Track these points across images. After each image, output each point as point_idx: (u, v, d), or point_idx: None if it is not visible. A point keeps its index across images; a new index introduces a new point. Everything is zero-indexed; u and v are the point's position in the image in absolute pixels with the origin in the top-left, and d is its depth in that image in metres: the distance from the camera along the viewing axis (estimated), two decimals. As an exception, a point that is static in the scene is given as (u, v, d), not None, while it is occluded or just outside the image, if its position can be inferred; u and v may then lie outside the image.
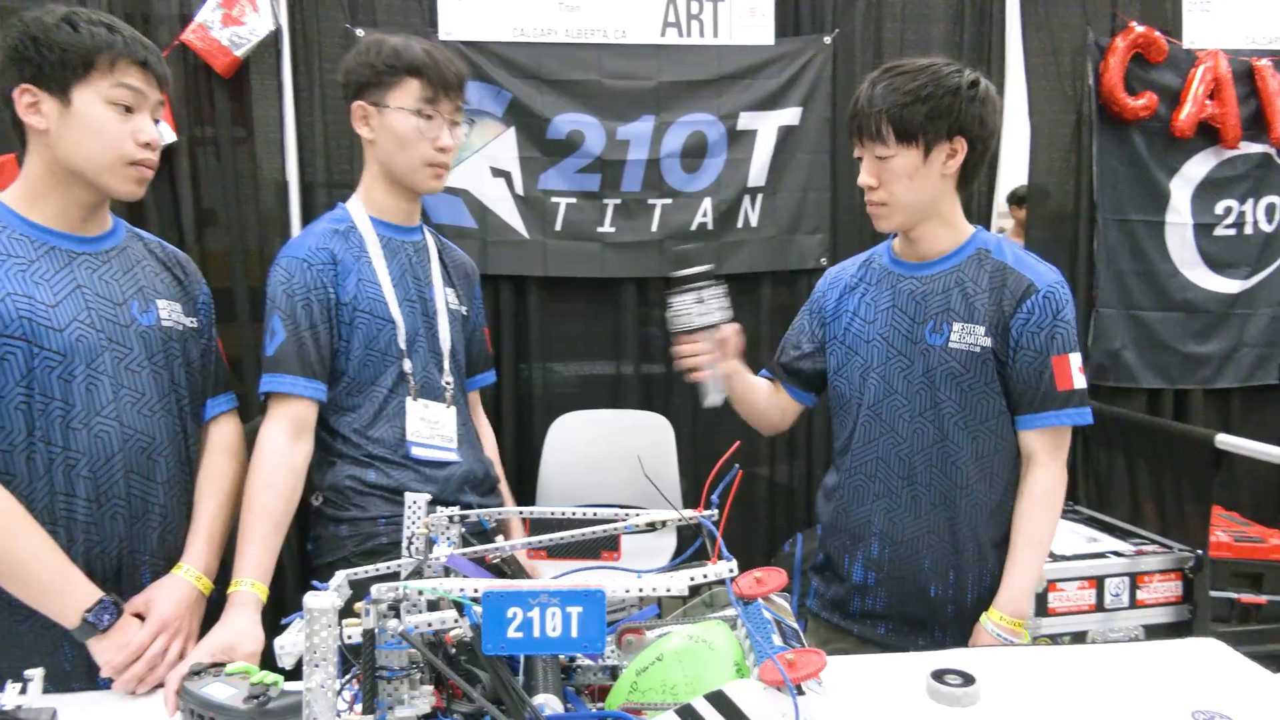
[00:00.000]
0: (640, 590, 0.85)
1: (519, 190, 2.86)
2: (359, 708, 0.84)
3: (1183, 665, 1.34)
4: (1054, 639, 2.12)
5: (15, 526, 1.25)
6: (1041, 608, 2.11)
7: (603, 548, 1.09)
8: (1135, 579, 2.13)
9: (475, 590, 0.83)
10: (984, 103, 1.51)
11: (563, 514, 1.12)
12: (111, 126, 1.31)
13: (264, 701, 1.10)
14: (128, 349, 1.37)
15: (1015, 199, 4.12)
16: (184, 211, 2.72)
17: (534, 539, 1.09)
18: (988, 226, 3.10)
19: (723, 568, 0.89)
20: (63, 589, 1.27)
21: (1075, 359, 1.53)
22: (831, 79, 2.95)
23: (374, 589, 0.83)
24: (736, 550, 3.40)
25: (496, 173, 2.83)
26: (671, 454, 2.85)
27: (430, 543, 1.08)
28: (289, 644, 0.83)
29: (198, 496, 1.49)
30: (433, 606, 0.88)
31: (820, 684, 0.89)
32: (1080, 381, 1.53)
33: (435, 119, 1.62)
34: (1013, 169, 3.16)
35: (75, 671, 1.32)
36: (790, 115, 2.93)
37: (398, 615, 0.84)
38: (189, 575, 1.39)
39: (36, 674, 1.08)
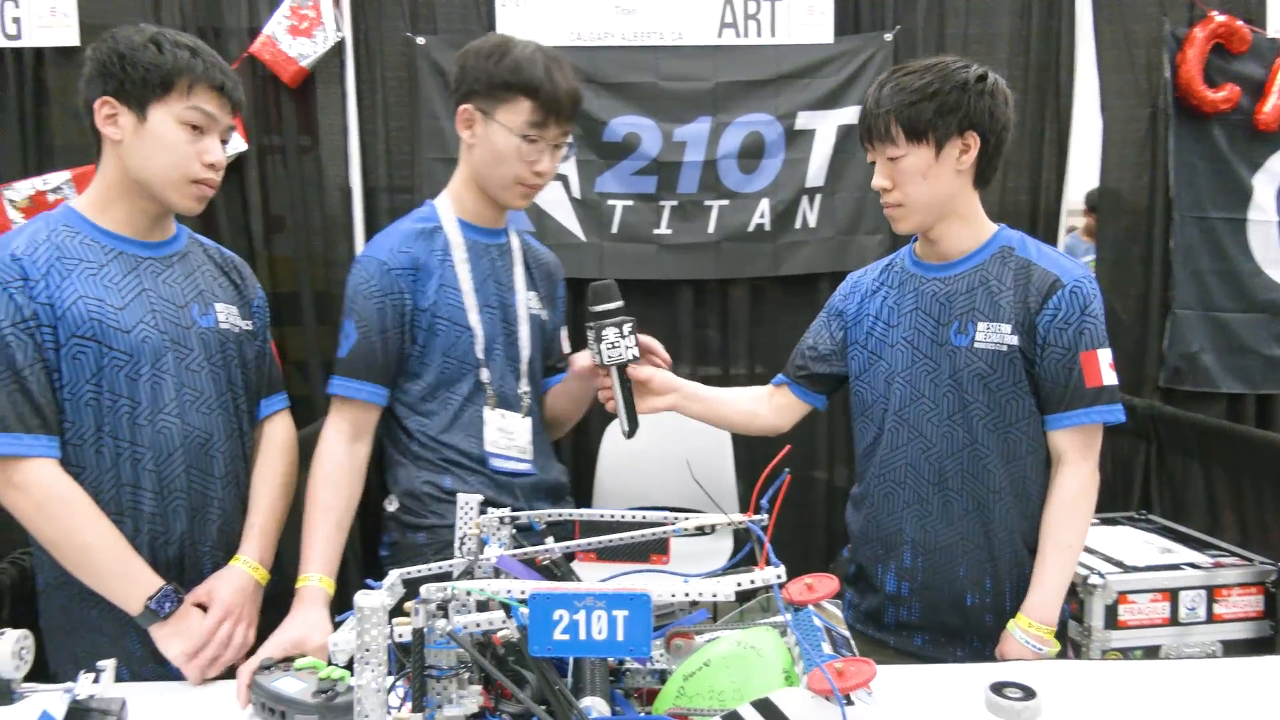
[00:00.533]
0: (687, 595, 0.85)
1: (576, 193, 2.87)
2: (410, 705, 0.85)
3: (1263, 685, 1.28)
4: (1124, 653, 2.05)
5: (83, 516, 1.31)
6: (1111, 620, 2.03)
7: (652, 551, 1.09)
8: (1212, 592, 2.04)
9: (522, 592, 0.83)
10: (993, 96, 1.48)
11: (612, 517, 1.12)
12: (180, 146, 1.37)
13: (331, 696, 1.13)
14: (189, 349, 1.43)
15: (1093, 202, 3.99)
16: (253, 218, 2.81)
17: (583, 541, 1.09)
18: (1056, 226, 3.03)
19: (770, 573, 0.87)
20: (126, 577, 1.33)
21: (1105, 355, 1.48)
22: (892, 77, 2.90)
23: (423, 589, 0.84)
24: (793, 556, 3.39)
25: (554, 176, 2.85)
26: (728, 457, 2.83)
27: (481, 543, 1.09)
28: (342, 641, 0.85)
29: (253, 492, 1.55)
30: (482, 607, 0.89)
31: (870, 694, 0.87)
32: (1111, 378, 1.49)
33: (539, 143, 1.58)
34: (1084, 167, 3.06)
35: (144, 655, 1.37)
36: (850, 114, 2.89)
37: (446, 615, 0.85)
38: (246, 565, 1.44)
39: (109, 664, 1.13)
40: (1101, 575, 2.02)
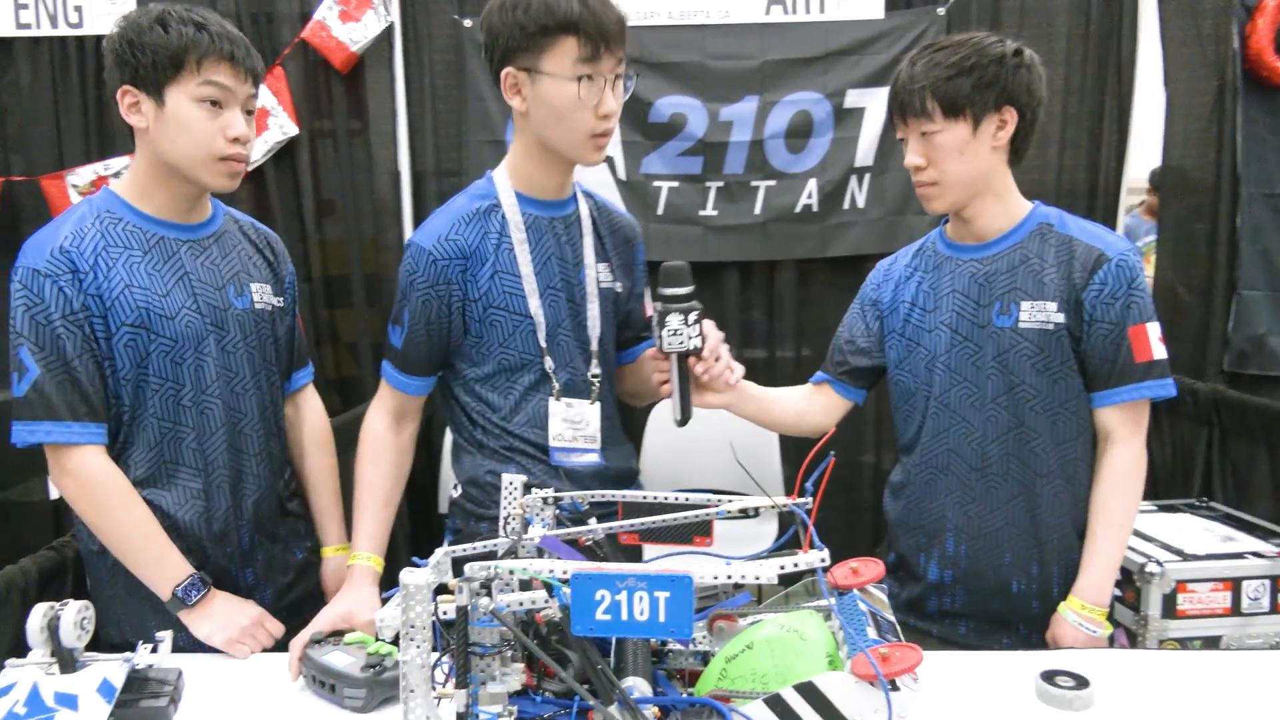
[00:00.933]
0: (729, 577, 0.84)
1: (621, 175, 2.86)
2: (454, 681, 0.86)
3: (1328, 678, 1.24)
4: (1183, 643, 1.99)
5: (121, 503, 1.36)
6: (1169, 609, 1.98)
7: (695, 533, 1.09)
8: (1277, 582, 1.97)
9: (565, 572, 0.83)
10: (1030, 70, 1.45)
11: (655, 498, 1.12)
12: (200, 124, 1.36)
13: (379, 671, 1.16)
14: (226, 331, 1.46)
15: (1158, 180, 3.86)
16: (305, 202, 2.86)
17: (627, 523, 1.09)
18: (1116, 205, 2.93)
19: (814, 557, 0.86)
20: (158, 563, 1.37)
21: (1154, 328, 1.45)
22: (945, 52, 2.83)
23: (467, 567, 0.84)
24: (841, 540, 3.35)
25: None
26: (773, 441, 2.81)
27: (525, 523, 1.09)
28: (388, 618, 0.86)
29: (313, 477, 1.64)
30: (525, 586, 0.89)
31: (916, 680, 0.86)
32: (1161, 351, 1.45)
33: (596, 80, 1.41)
34: (1146, 144, 2.96)
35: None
36: (901, 92, 2.82)
37: (490, 594, 0.85)
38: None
39: (166, 635, 1.16)
40: (1159, 563, 1.96)
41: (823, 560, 0.87)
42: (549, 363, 1.53)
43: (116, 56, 1.36)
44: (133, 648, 1.14)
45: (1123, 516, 1.48)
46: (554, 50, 1.40)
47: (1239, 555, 2.02)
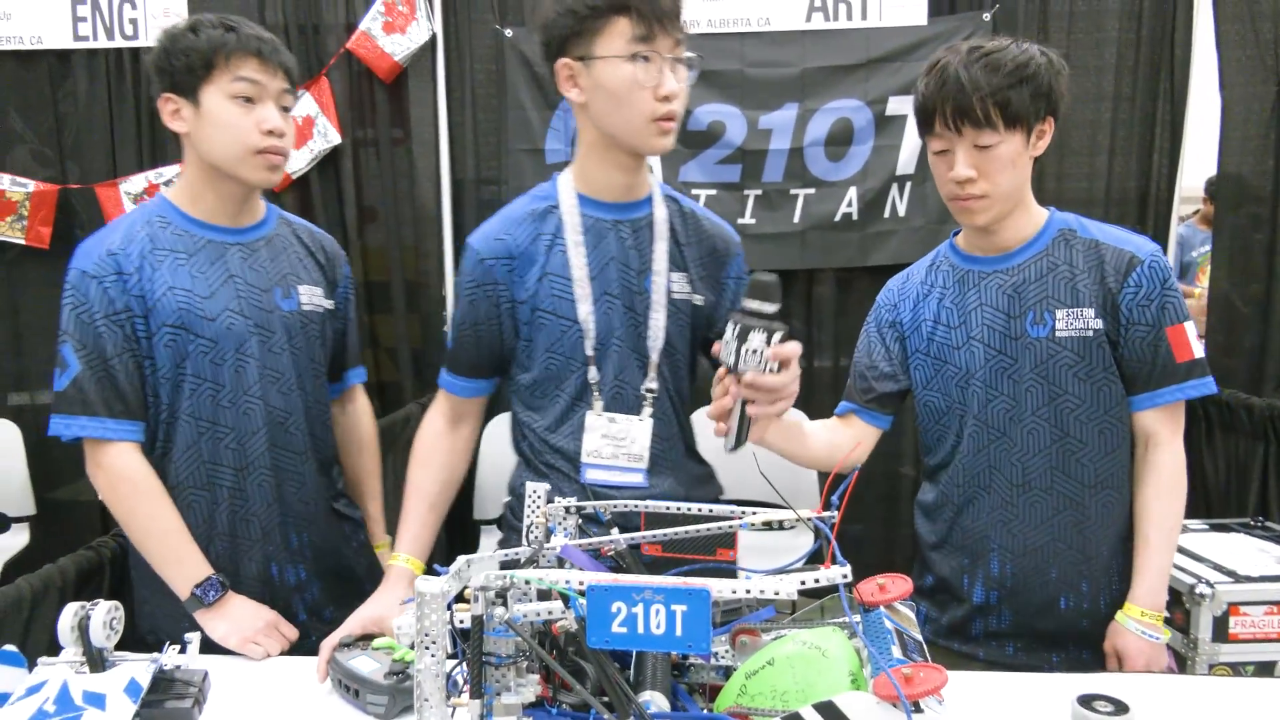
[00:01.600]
0: (748, 591, 0.82)
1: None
2: (469, 691, 0.85)
3: (1387, 710, 1.18)
4: (1234, 669, 1.92)
5: (147, 500, 1.39)
6: (1221, 633, 1.90)
7: (719, 545, 1.07)
8: (1336, 607, 1.89)
9: (581, 583, 0.82)
10: (1065, 77, 1.40)
11: (679, 509, 1.11)
12: (235, 119, 1.40)
13: (404, 678, 1.16)
14: (271, 333, 1.49)
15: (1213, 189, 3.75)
16: (347, 209, 2.91)
17: (649, 533, 1.08)
18: (1169, 214, 2.84)
19: (835, 573, 0.84)
20: (178, 563, 1.40)
21: (1190, 327, 1.42)
22: (990, 58, 2.78)
23: (483, 576, 0.84)
24: (877, 553, 3.28)
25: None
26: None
27: (548, 532, 1.09)
28: (406, 625, 0.86)
29: (361, 478, 1.69)
30: (544, 596, 0.89)
31: (941, 702, 0.83)
32: (1199, 350, 1.42)
33: (654, 60, 1.35)
34: (1199, 150, 2.87)
35: None
36: (944, 98, 2.78)
37: (505, 604, 0.85)
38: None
39: (194, 637, 1.18)
40: (1210, 585, 1.89)
41: (845, 576, 0.85)
42: (593, 373, 1.46)
43: (156, 67, 1.42)
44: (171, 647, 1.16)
45: (1173, 520, 1.44)
46: (607, 32, 1.35)
47: (1295, 578, 1.94)
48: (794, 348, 1.22)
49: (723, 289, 1.57)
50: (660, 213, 1.50)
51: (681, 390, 1.55)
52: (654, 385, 1.48)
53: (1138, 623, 1.40)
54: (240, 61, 1.40)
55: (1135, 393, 1.44)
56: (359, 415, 1.73)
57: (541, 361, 1.47)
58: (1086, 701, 1.13)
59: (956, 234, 1.56)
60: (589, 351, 1.45)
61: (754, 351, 1.22)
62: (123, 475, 1.38)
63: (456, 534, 2.85)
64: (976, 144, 1.37)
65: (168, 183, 2.78)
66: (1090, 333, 1.42)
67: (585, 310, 1.44)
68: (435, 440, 1.54)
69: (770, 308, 1.23)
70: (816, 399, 2.88)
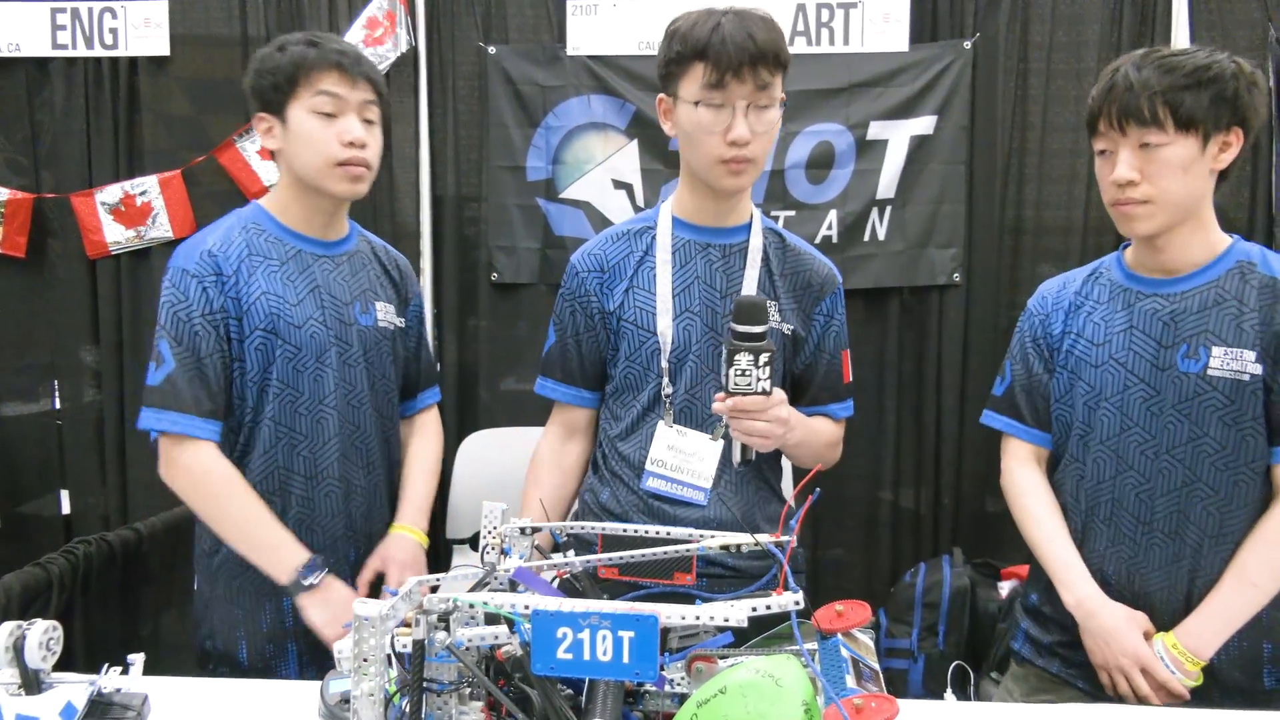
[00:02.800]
0: (698, 618, 0.80)
1: (640, 203, 2.85)
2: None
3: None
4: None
5: (237, 493, 1.41)
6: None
7: (676, 569, 1.05)
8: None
9: (526, 607, 0.80)
10: (1260, 92, 1.35)
11: (636, 532, 1.09)
12: (317, 133, 1.44)
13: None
14: (349, 346, 1.52)
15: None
16: (326, 223, 2.88)
17: (604, 556, 1.06)
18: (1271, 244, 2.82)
19: (788, 599, 0.82)
20: (277, 549, 1.42)
21: None
22: (970, 86, 2.80)
23: (425, 600, 0.82)
24: (856, 578, 3.23)
25: (618, 185, 2.84)
26: (786, 474, 2.76)
27: (503, 553, 1.06)
28: (346, 649, 0.83)
29: (409, 473, 1.67)
30: (492, 620, 0.86)
31: (893, 735, 0.81)
32: None
33: (724, 108, 1.40)
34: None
35: (269, 632, 1.48)
36: (924, 124, 2.80)
37: (448, 628, 0.83)
38: (412, 530, 1.57)
39: (138, 659, 1.14)
40: None
41: (797, 604, 0.83)
42: (666, 384, 1.51)
43: (251, 88, 1.47)
44: (238, 654, 1.16)
45: (1262, 574, 1.35)
46: (687, 77, 1.43)
47: None
48: (755, 401, 1.31)
49: (811, 323, 1.59)
50: (755, 241, 1.56)
51: None
52: None
53: (1166, 651, 1.35)
54: (321, 75, 1.43)
55: (1277, 444, 1.37)
56: (427, 434, 1.73)
57: (623, 368, 1.54)
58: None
59: (1126, 246, 1.50)
60: (664, 363, 1.50)
61: (741, 373, 1.29)
62: (208, 472, 1.40)
63: (429, 553, 2.81)
64: (1142, 143, 1.33)
65: (143, 193, 2.75)
66: (1247, 376, 1.34)
67: (665, 324, 1.51)
68: (548, 458, 1.61)
69: (757, 329, 1.29)
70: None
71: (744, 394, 1.30)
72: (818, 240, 2.84)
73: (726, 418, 1.35)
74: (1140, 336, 1.42)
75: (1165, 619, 1.41)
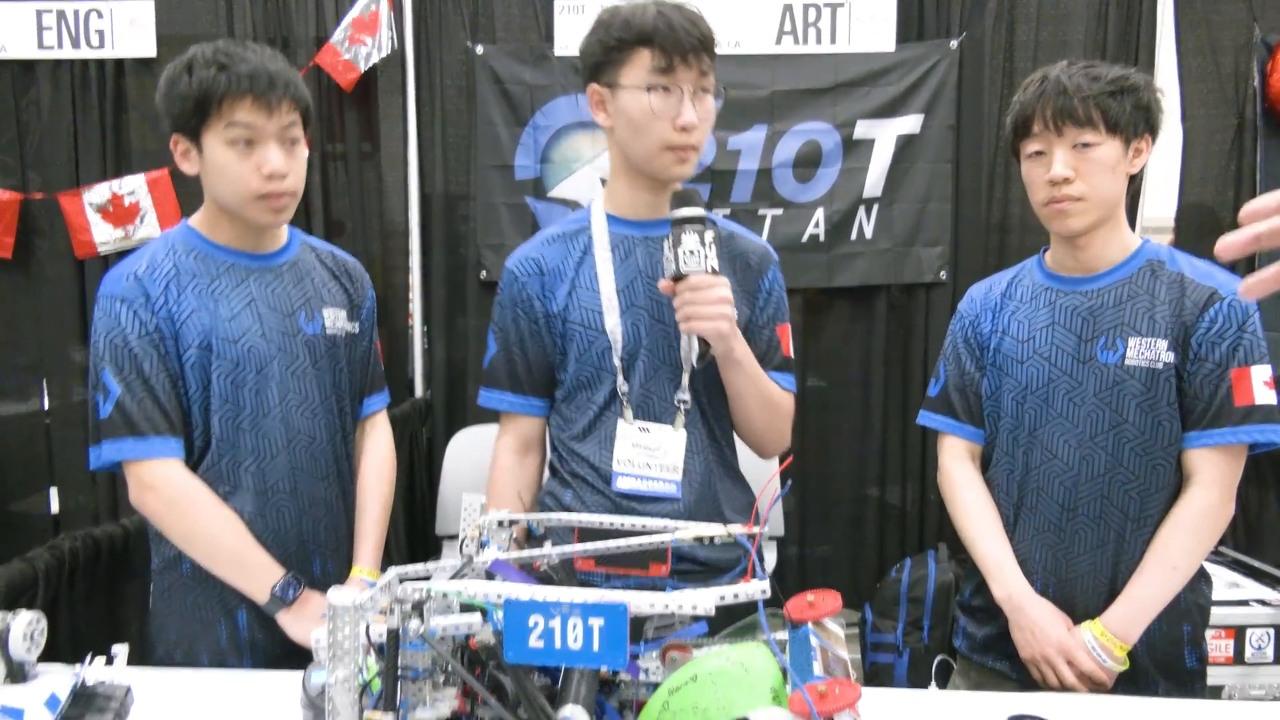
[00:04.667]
0: (666, 606, 0.82)
1: (628, 201, 2.87)
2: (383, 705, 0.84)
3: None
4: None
5: (208, 512, 1.38)
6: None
7: (651, 559, 1.06)
8: (1284, 632, 1.91)
9: (499, 596, 0.81)
10: (1162, 103, 1.46)
11: (611, 524, 1.10)
12: (232, 167, 1.37)
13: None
14: (294, 356, 1.47)
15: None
16: (314, 221, 2.88)
17: (581, 547, 1.07)
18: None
19: (755, 587, 0.84)
20: (253, 567, 1.39)
21: (1261, 371, 1.39)
22: (957, 85, 2.83)
23: (399, 589, 0.83)
24: (841, 575, 3.27)
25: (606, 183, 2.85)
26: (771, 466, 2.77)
27: (481, 545, 1.08)
28: (320, 637, 0.84)
29: (362, 503, 1.60)
30: (467, 609, 0.87)
31: (858, 718, 0.82)
32: (1266, 397, 1.39)
33: (673, 92, 1.39)
34: (1162, 182, 2.91)
35: (228, 647, 1.44)
36: (911, 123, 2.82)
37: (422, 616, 0.84)
38: (373, 574, 1.50)
39: (122, 649, 1.15)
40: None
41: (764, 592, 0.84)
42: (622, 382, 1.47)
43: (160, 106, 1.40)
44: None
45: (1181, 558, 1.41)
46: (631, 63, 1.40)
47: (1243, 603, 1.96)
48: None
49: (756, 300, 1.56)
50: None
51: (717, 405, 1.54)
52: (686, 397, 1.49)
53: (1095, 639, 1.39)
54: (233, 104, 1.34)
55: (1189, 429, 1.42)
56: (376, 442, 1.66)
57: (574, 370, 1.50)
58: (1019, 722, 1.13)
59: (1045, 251, 1.57)
60: (616, 360, 1.47)
61: (690, 253, 1.32)
62: (179, 492, 1.37)
63: (419, 548, 2.83)
64: (1076, 143, 1.40)
65: (131, 192, 2.76)
66: (1160, 365, 1.40)
67: (612, 321, 1.47)
68: (506, 475, 1.56)
69: (694, 211, 1.34)
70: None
71: (694, 273, 1.32)
72: (804, 239, 2.86)
73: (676, 307, 1.36)
74: (1061, 331, 1.48)
75: (1092, 604, 1.45)
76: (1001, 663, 1.54)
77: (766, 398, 1.51)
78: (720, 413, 1.54)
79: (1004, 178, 2.87)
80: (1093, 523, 1.45)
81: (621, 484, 1.46)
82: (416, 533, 2.83)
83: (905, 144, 2.82)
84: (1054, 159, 1.41)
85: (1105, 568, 1.44)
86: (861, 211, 2.86)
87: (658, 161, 1.43)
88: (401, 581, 0.86)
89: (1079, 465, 1.45)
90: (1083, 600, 1.46)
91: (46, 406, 2.85)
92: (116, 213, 2.77)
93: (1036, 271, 1.56)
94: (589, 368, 1.49)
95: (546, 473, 1.59)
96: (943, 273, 2.85)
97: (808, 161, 2.85)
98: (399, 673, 0.84)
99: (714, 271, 1.34)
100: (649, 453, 1.48)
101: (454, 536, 2.63)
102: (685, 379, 1.49)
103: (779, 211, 2.86)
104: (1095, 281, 1.47)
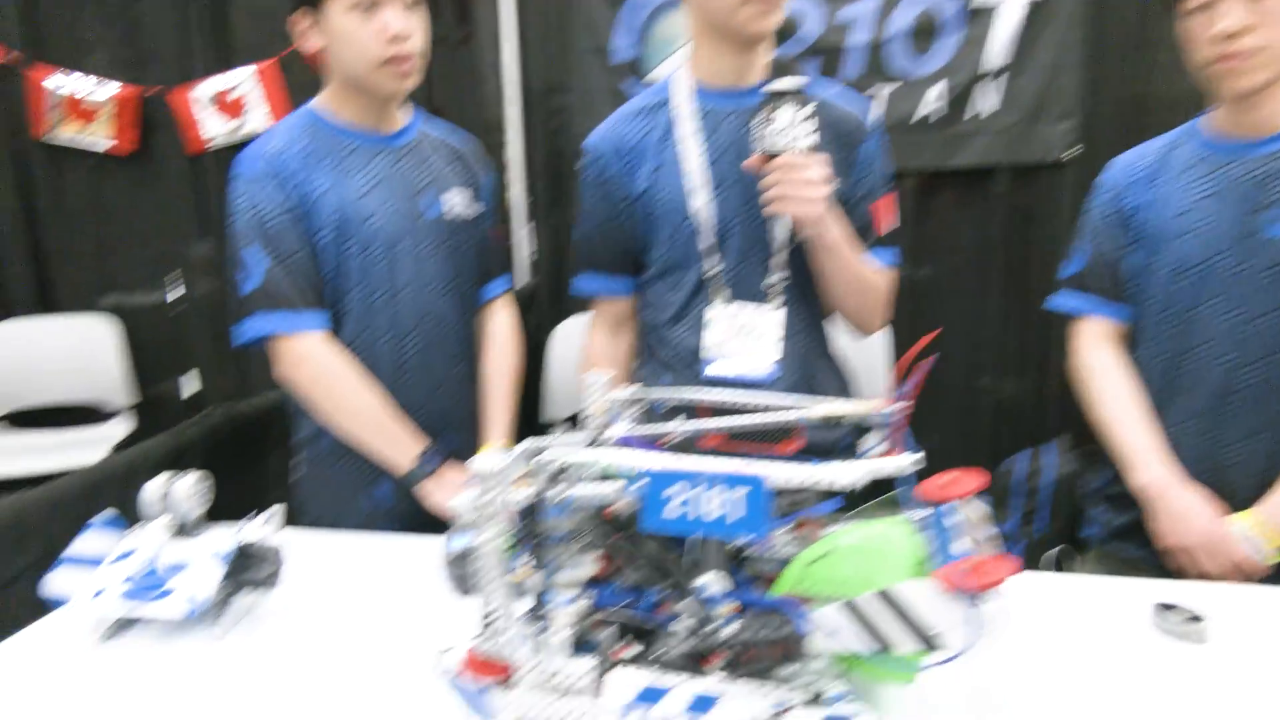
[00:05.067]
0: (806, 479, 0.80)
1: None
2: (530, 566, 0.87)
3: None
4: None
5: (350, 386, 1.43)
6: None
7: (781, 437, 1.05)
8: None
9: (637, 466, 0.81)
10: None
11: (736, 404, 1.08)
12: (356, 33, 1.37)
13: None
14: (420, 238, 1.50)
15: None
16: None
17: (711, 422, 1.06)
18: None
19: (905, 461, 0.81)
20: (394, 441, 1.45)
21: None
22: (1094, -61, 2.56)
23: (539, 458, 0.84)
24: (954, 467, 3.19)
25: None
26: (881, 349, 2.70)
27: (608, 421, 1.08)
28: (463, 502, 0.86)
29: (492, 378, 1.63)
30: (603, 479, 0.88)
31: (1007, 597, 0.80)
32: None
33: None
34: None
35: (373, 513, 1.51)
36: (1040, -16, 2.59)
37: (564, 484, 0.85)
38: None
39: (277, 509, 1.21)
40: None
41: (916, 464, 0.82)
42: (709, 265, 1.41)
43: None
44: None
45: None
46: None
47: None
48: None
49: (853, 169, 1.46)
50: None
51: (798, 282, 1.46)
52: (778, 276, 1.42)
53: (1245, 529, 1.33)
54: None
55: None
56: (502, 322, 1.68)
57: (663, 253, 1.45)
58: (1165, 607, 1.09)
59: (1199, 118, 1.45)
60: (706, 243, 1.41)
61: (783, 130, 1.23)
62: (325, 367, 1.42)
63: (525, 436, 2.89)
64: None
65: (238, 86, 2.79)
66: None
67: (700, 201, 1.40)
68: (599, 355, 1.54)
69: (793, 83, 1.22)
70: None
71: (787, 151, 1.24)
72: (920, 116, 2.70)
73: (764, 186, 1.28)
74: (1223, 203, 1.36)
75: (1244, 494, 1.38)
76: (1142, 550, 1.49)
77: (860, 280, 1.44)
78: (815, 293, 1.48)
79: (1146, 44, 2.62)
80: (1251, 408, 1.36)
81: (712, 369, 1.42)
82: (522, 420, 2.90)
83: (1034, 8, 2.60)
84: (1224, 9, 1.28)
85: (1259, 460, 1.36)
86: (983, 85, 2.67)
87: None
88: (539, 452, 0.87)
89: (1239, 347, 1.36)
90: (1237, 489, 1.38)
91: (172, 299, 3.00)
92: (223, 107, 2.82)
93: (1195, 139, 1.44)
94: (678, 250, 1.44)
95: (643, 358, 1.57)
96: (1073, 150, 2.66)
97: (924, 32, 2.66)
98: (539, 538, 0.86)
99: (810, 150, 1.25)
100: (744, 335, 1.43)
101: (557, 423, 2.68)
102: (781, 258, 1.42)
103: (893, 87, 2.70)
104: (1268, 145, 1.34)
